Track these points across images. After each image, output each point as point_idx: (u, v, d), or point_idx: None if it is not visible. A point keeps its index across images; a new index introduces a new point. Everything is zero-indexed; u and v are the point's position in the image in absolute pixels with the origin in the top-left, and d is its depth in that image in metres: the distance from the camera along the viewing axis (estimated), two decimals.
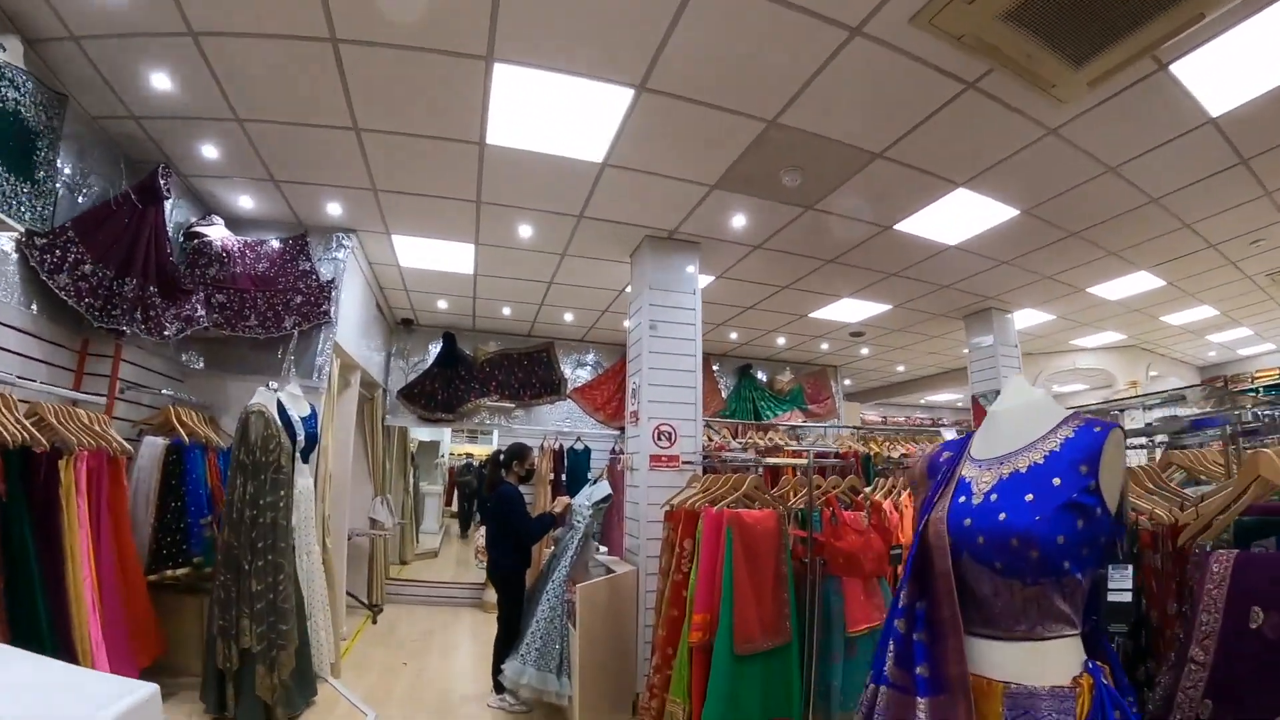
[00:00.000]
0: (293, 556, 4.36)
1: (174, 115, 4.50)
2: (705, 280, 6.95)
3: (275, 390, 4.73)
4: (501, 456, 5.84)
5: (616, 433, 9.88)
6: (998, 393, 3.07)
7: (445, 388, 9.41)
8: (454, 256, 6.78)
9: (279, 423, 4.42)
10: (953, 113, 4.25)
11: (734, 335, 9.84)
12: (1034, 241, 6.74)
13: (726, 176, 5.06)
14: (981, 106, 4.17)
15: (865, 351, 11.37)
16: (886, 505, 4.70)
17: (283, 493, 4.25)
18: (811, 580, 3.89)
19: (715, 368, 11.30)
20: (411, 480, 11.41)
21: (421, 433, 13.56)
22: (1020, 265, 7.40)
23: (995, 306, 8.92)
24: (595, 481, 6.06)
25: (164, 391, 4.97)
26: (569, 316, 8.96)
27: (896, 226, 6.06)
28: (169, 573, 4.49)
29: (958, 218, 5.97)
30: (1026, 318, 9.47)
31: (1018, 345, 9.25)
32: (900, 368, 13.25)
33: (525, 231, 6.07)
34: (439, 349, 9.65)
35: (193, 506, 4.61)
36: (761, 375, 11.75)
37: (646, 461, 5.64)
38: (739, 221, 5.81)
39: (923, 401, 18.15)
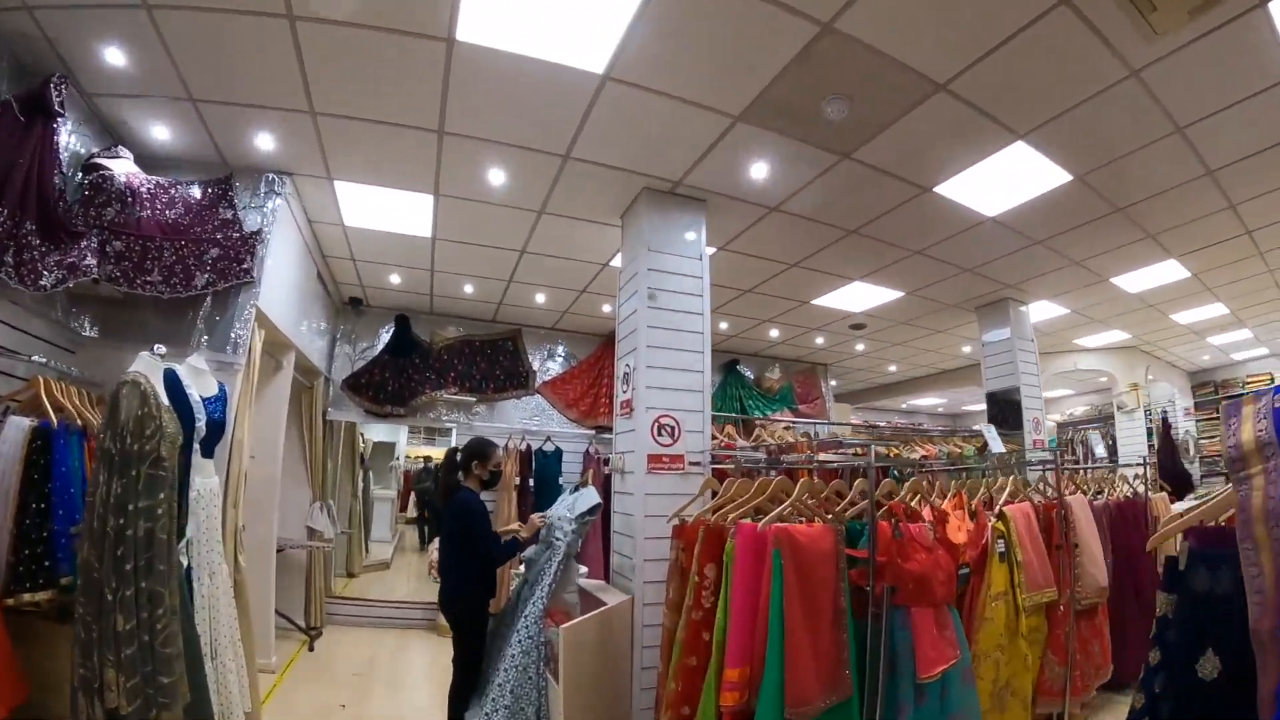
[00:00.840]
0: (179, 582, 3.19)
1: (71, 2, 3.51)
2: (710, 251, 6.01)
3: (163, 356, 3.58)
4: (459, 455, 4.64)
5: (590, 433, 8.91)
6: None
7: (397, 377, 8.29)
8: (409, 213, 5.70)
9: (164, 401, 3.26)
10: (1035, 37, 3.61)
11: (724, 325, 8.94)
12: (1076, 217, 6.12)
13: (757, 103, 4.12)
14: (1069, 31, 3.56)
15: (861, 348, 10.54)
16: (955, 515, 3.92)
17: (163, 495, 2.97)
18: (874, 613, 3.03)
19: None
20: (361, 484, 10.19)
21: (376, 432, 12.22)
22: (1052, 247, 6.76)
23: (1012, 297, 8.21)
24: (578, 488, 4.91)
25: (35, 358, 3.83)
26: (541, 298, 7.89)
27: (937, 189, 5.27)
28: (27, 597, 3.39)
29: (1005, 181, 5.29)
30: (1040, 311, 8.80)
31: (1034, 340, 8.53)
32: (892, 368, 12.46)
33: (497, 177, 5.02)
34: (391, 334, 8.53)
35: (60, 510, 3.47)
36: (748, 372, 10.82)
37: (643, 463, 4.63)
38: (759, 172, 4.88)
39: (904, 406, 17.44)
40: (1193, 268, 7.95)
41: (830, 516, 3.29)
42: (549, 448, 8.48)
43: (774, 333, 9.44)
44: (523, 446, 8.24)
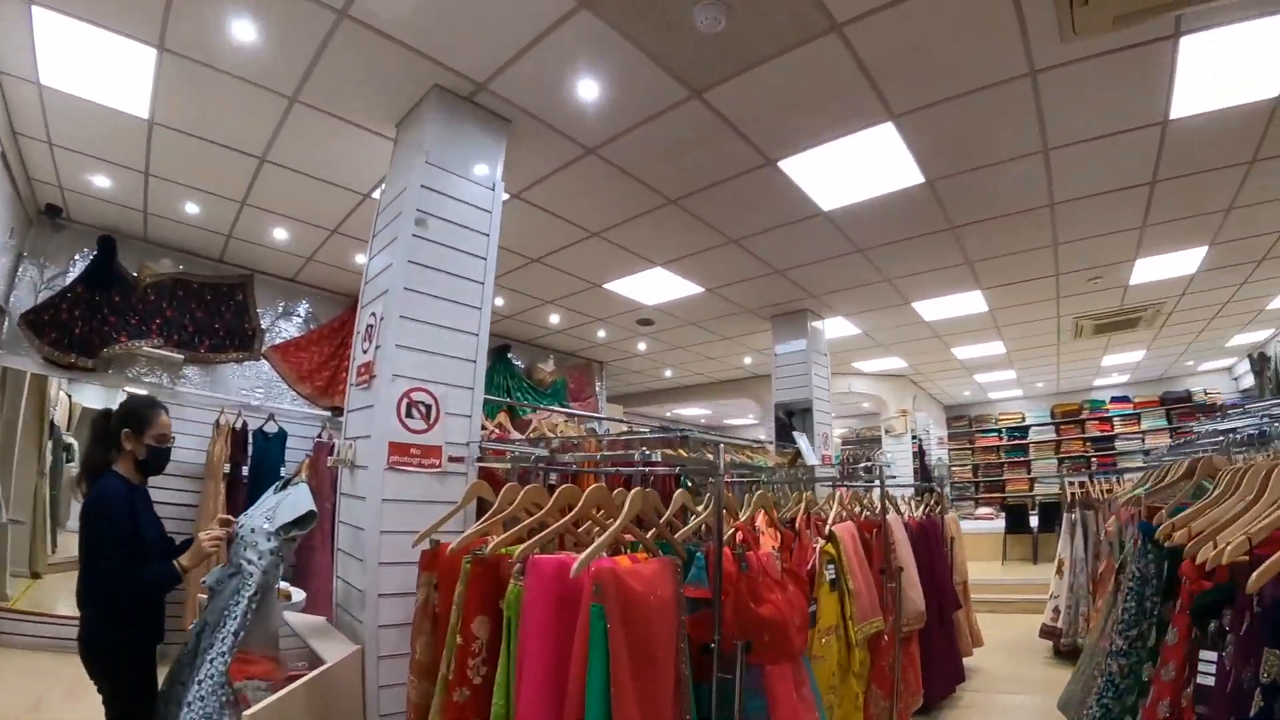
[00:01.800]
0: None
1: None
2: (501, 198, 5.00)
3: None
4: (111, 421, 3.01)
5: (327, 414, 7.37)
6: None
7: (89, 318, 6.21)
8: (124, 75, 4.03)
9: None
10: None
11: (500, 300, 7.82)
12: (910, 227, 5.90)
13: None
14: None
15: (643, 347, 9.91)
16: (768, 534, 3.28)
17: None
18: (721, 679, 2.23)
19: None
20: (49, 459, 7.64)
21: (87, 394, 9.30)
22: (872, 258, 6.54)
23: (812, 309, 7.96)
24: (286, 485, 3.35)
25: None
26: (281, 234, 6.29)
27: (782, 163, 4.71)
28: None
29: (857, 169, 4.86)
30: (834, 328, 8.67)
31: (828, 355, 8.28)
32: (668, 373, 11.95)
33: (244, 31, 3.56)
34: (90, 259, 6.38)
35: None
36: (520, 362, 9.78)
37: (383, 453, 3.30)
38: (588, 92, 3.92)
39: (669, 414, 17.15)
40: (993, 303, 8.09)
41: (661, 542, 2.41)
42: (271, 429, 6.84)
43: (555, 318, 8.53)
44: (238, 424, 6.61)
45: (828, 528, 3.63)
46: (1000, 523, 11.61)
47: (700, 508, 2.96)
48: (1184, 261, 7.32)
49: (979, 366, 11.92)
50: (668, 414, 17.37)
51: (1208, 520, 2.12)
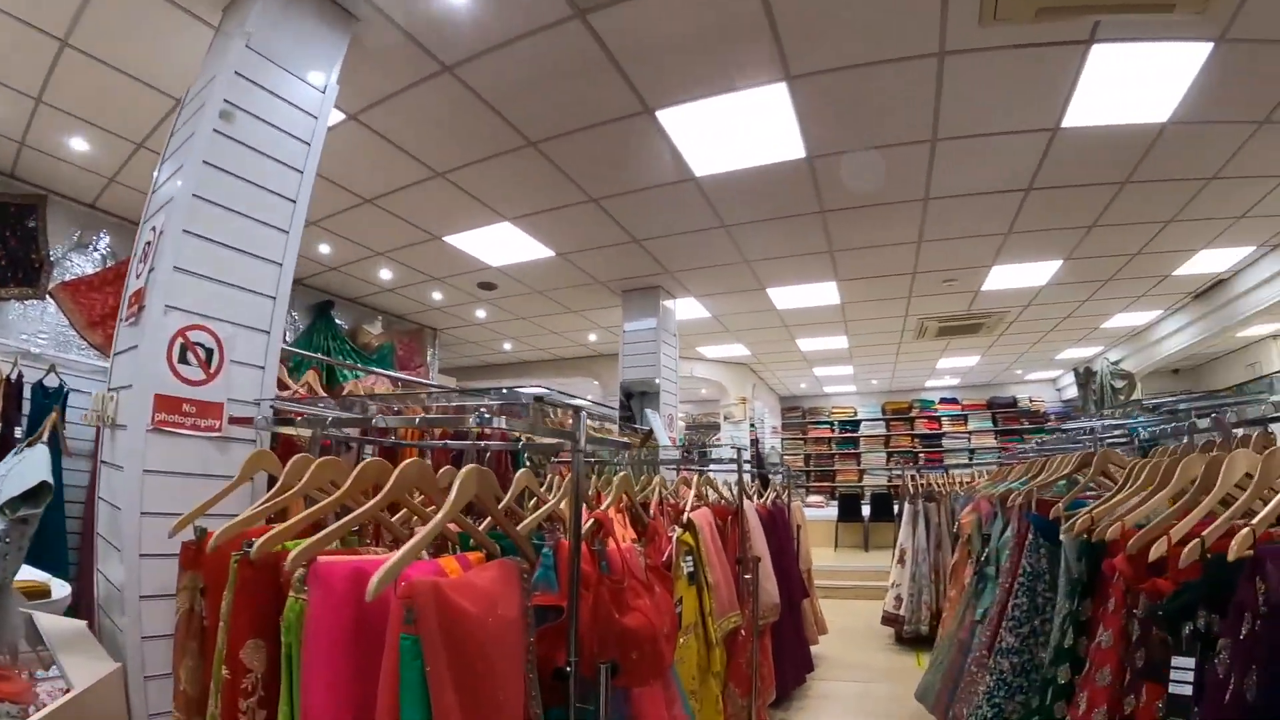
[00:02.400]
0: None
1: None
2: (333, 119, 4.27)
3: None
4: None
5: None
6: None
7: None
8: None
9: None
10: None
11: (325, 248, 6.96)
12: (781, 205, 5.72)
13: None
14: None
15: (482, 315, 9.31)
16: (618, 520, 2.89)
17: None
18: (581, 710, 1.78)
19: None
20: None
21: None
22: (736, 236, 6.34)
23: (665, 287, 7.68)
24: (22, 449, 2.60)
25: None
26: (82, 145, 5.12)
27: (660, 113, 4.35)
28: None
29: (736, 132, 4.62)
30: (685, 309, 8.44)
31: (677, 335, 8.00)
32: (507, 346, 11.39)
33: None
34: None
35: None
36: (343, 322, 8.89)
37: (146, 409, 2.53)
38: None
39: (504, 391, 16.57)
40: (846, 296, 8.09)
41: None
42: (52, 382, 5.50)
43: (387, 274, 7.76)
44: (13, 375, 5.44)
45: (685, 515, 3.30)
46: (831, 510, 11.96)
47: (547, 492, 2.54)
48: (1037, 273, 7.57)
49: (820, 359, 12.13)
50: (503, 390, 16.69)
51: (1139, 514, 1.92)
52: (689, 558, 3.13)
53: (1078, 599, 2.11)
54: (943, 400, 15.96)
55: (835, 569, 9.52)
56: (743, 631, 3.64)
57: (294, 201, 3.10)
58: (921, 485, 7.10)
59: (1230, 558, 1.39)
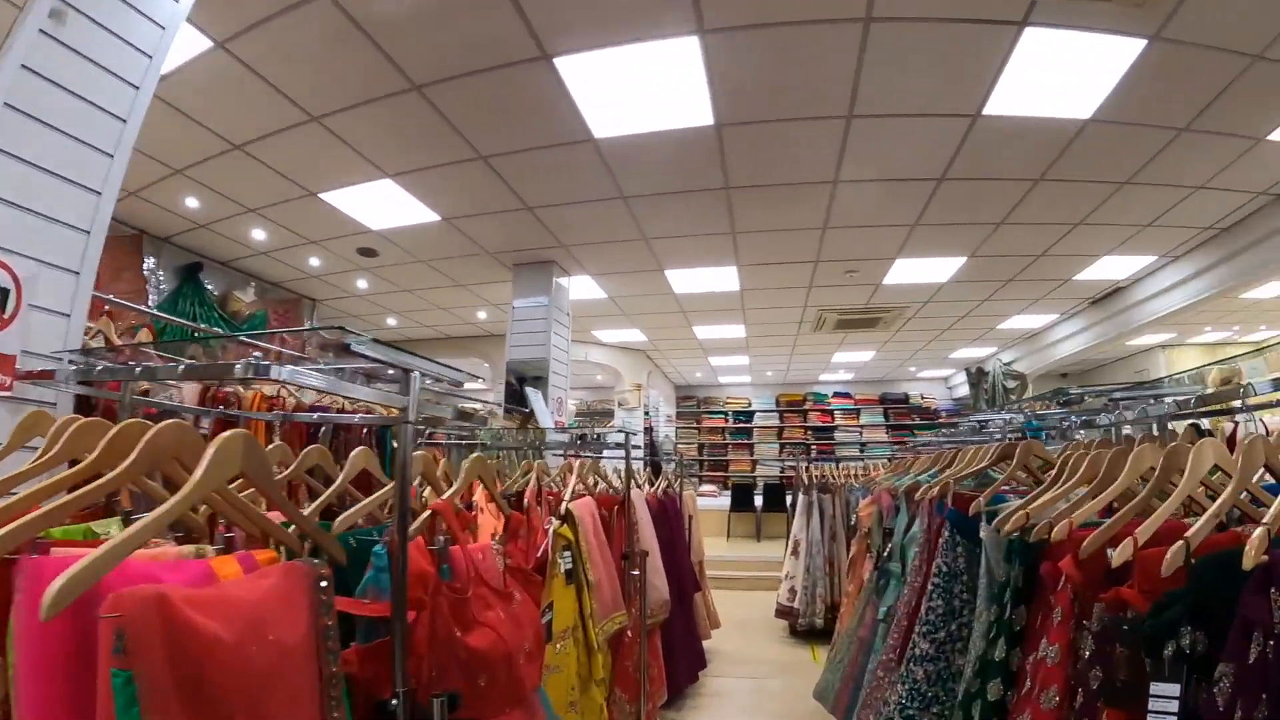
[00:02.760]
0: None
1: None
2: (199, 45, 3.76)
3: None
4: None
5: None
6: None
7: None
8: None
9: None
10: None
11: (192, 201, 6.22)
12: (684, 177, 5.43)
13: None
14: None
15: (364, 285, 8.65)
16: (488, 510, 2.69)
17: None
18: None
19: (149, 261, 7.31)
20: None
21: None
22: (637, 210, 6.05)
23: (559, 262, 7.30)
24: None
25: None
26: None
27: (558, 61, 3.95)
28: None
29: (640, 89, 4.27)
30: (580, 289, 8.06)
31: (570, 315, 7.63)
32: (391, 321, 10.69)
33: None
34: None
35: None
36: (213, 287, 8.06)
37: None
38: None
39: (390, 373, 15.83)
40: (746, 282, 7.89)
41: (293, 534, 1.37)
42: None
43: (261, 234, 7.05)
44: None
45: (564, 505, 2.93)
46: (724, 500, 11.86)
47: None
48: (940, 269, 7.52)
49: (717, 349, 11.96)
50: (389, 372, 15.93)
51: (1086, 512, 1.69)
52: (567, 553, 2.78)
53: (1010, 606, 1.84)
54: (836, 394, 16.15)
55: (728, 559, 9.39)
56: (629, 633, 3.33)
57: (124, 121, 2.60)
58: (816, 476, 6.94)
59: (1246, 565, 1.10)
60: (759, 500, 11.41)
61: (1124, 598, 1.37)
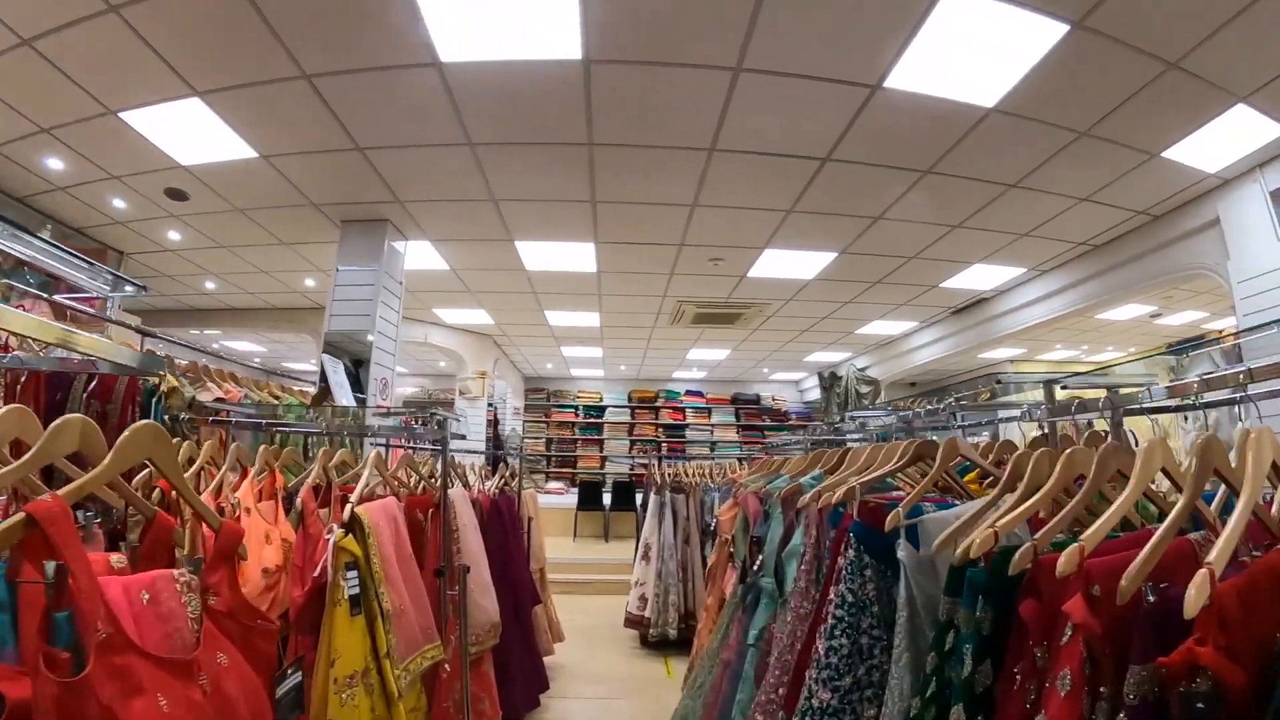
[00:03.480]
0: None
1: None
2: None
3: None
4: None
5: None
6: None
7: None
8: None
9: None
10: None
11: None
12: (542, 125, 4.71)
13: None
14: None
15: (177, 237, 7.34)
16: (261, 512, 1.87)
17: None
18: None
19: None
20: None
21: None
22: (486, 161, 5.25)
23: (395, 223, 6.41)
24: None
25: None
26: None
27: None
28: None
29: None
30: (418, 257, 7.14)
31: (403, 285, 6.76)
32: (210, 285, 9.30)
33: None
34: None
35: None
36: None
37: None
38: None
39: (215, 347, 14.26)
40: (604, 263, 7.28)
41: None
42: None
43: (56, 163, 5.68)
44: None
45: (349, 508, 2.20)
46: (571, 498, 11.20)
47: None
48: (808, 264, 7.20)
49: (570, 337, 11.29)
50: (214, 346, 14.43)
51: (1098, 533, 1.12)
52: (352, 573, 2.05)
53: (971, 660, 1.27)
54: (689, 392, 15.85)
55: (574, 561, 8.78)
56: (447, 666, 2.62)
57: None
58: (669, 475, 6.43)
59: None
60: (608, 498, 10.81)
61: (1197, 657, 0.83)
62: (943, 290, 8.24)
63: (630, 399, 15.72)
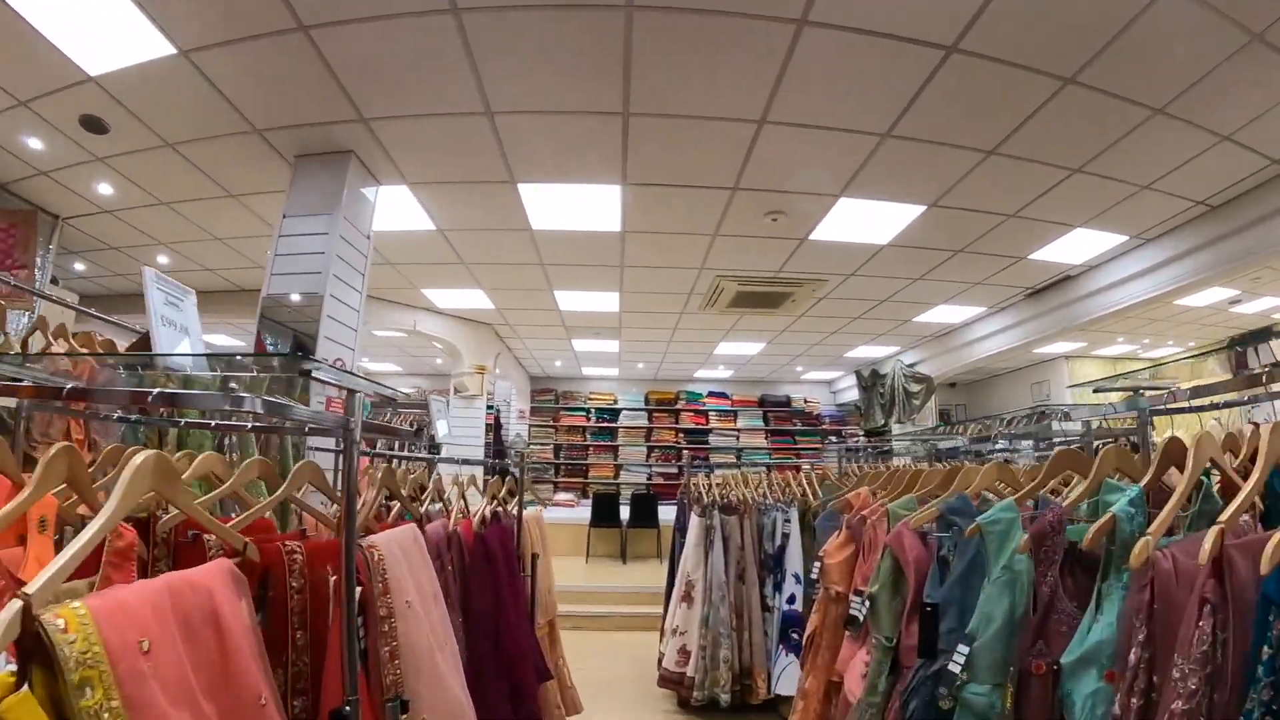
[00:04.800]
0: None
1: None
2: None
3: None
4: None
5: None
6: None
7: None
8: None
9: None
10: None
11: None
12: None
13: None
14: None
15: (108, 191, 5.77)
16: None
17: None
18: None
19: None
20: None
21: None
22: (481, 46, 3.67)
23: (361, 155, 4.88)
24: None
25: None
26: None
27: None
28: None
29: None
30: (393, 209, 5.63)
31: (370, 240, 5.22)
32: (164, 259, 7.54)
33: None
34: None
35: None
36: None
37: None
38: None
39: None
40: (632, 220, 5.89)
41: None
42: None
43: None
44: None
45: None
46: (582, 511, 9.56)
47: None
48: (887, 221, 5.79)
49: (582, 326, 9.63)
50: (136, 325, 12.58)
51: None
52: None
53: None
54: (711, 394, 14.27)
55: (587, 590, 7.27)
56: None
57: None
58: (715, 489, 4.93)
59: None
60: (625, 512, 9.19)
61: None
62: (1029, 264, 6.80)
63: (647, 401, 14.14)
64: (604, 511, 9.08)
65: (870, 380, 11.98)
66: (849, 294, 7.77)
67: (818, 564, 2.72)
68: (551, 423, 14.11)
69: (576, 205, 5.41)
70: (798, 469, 5.21)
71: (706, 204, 5.37)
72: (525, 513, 3.55)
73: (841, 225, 5.72)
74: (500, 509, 3.22)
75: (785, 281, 7.21)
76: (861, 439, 11.52)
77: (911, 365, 10.88)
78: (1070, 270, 7.09)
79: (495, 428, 11.93)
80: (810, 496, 4.41)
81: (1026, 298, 8.01)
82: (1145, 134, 4.29)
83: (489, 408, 10.12)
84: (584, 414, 14.11)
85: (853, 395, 13.21)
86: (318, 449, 3.31)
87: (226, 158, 5.01)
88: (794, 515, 4.29)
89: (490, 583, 2.65)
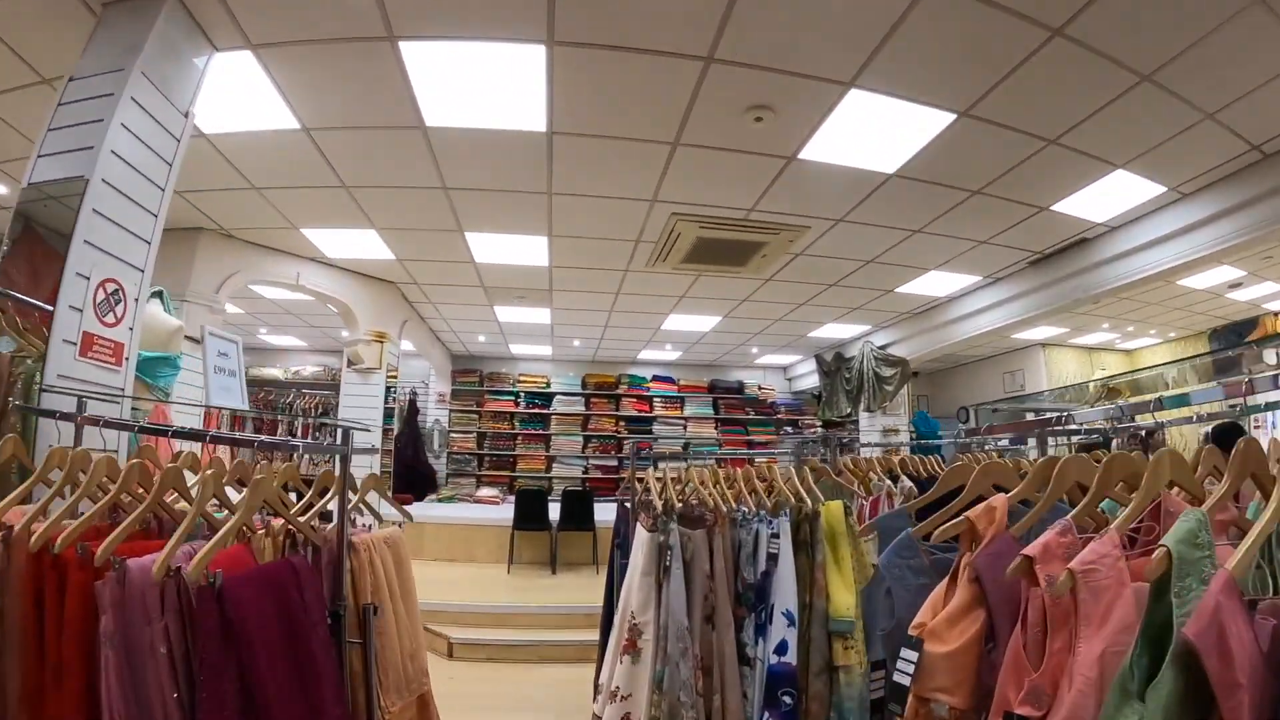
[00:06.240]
0: None
1: None
2: None
3: None
4: None
5: None
6: None
7: None
8: None
9: None
10: None
11: None
12: None
13: None
14: None
15: None
16: None
17: None
18: None
19: None
20: None
21: None
22: None
23: None
24: None
25: None
26: None
27: None
28: None
29: None
30: (244, 102, 4.14)
31: (190, 117, 3.77)
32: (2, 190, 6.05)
33: None
34: None
35: None
36: None
37: None
38: None
39: None
40: (563, 107, 4.29)
41: None
42: None
43: None
44: None
45: None
46: (508, 510, 7.90)
47: None
48: (902, 136, 4.52)
49: (504, 287, 7.96)
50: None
51: None
52: None
53: None
54: (657, 378, 12.84)
55: (509, 611, 5.83)
56: None
57: None
58: (675, 493, 3.42)
59: None
60: (555, 511, 7.61)
61: None
62: (1047, 219, 5.69)
63: (585, 385, 12.62)
64: (531, 511, 7.49)
65: (834, 365, 10.71)
66: (830, 249, 6.39)
67: (913, 653, 1.31)
68: (475, 408, 12.49)
69: (483, 78, 3.83)
70: (752, 461, 3.77)
71: (668, 86, 3.84)
72: (363, 535, 2.06)
73: (844, 137, 4.33)
74: (317, 526, 1.73)
75: (758, 226, 5.78)
76: (820, 430, 10.28)
77: (882, 348, 9.61)
78: (1088, 231, 5.99)
79: (410, 411, 10.39)
80: (807, 499, 2.94)
81: (1030, 265, 6.86)
82: (1235, 29, 3.23)
83: (390, 388, 8.47)
84: (512, 398, 12.51)
85: (811, 382, 11.97)
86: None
87: (25, 19, 3.41)
88: (784, 528, 2.79)
89: (237, 687, 1.18)
